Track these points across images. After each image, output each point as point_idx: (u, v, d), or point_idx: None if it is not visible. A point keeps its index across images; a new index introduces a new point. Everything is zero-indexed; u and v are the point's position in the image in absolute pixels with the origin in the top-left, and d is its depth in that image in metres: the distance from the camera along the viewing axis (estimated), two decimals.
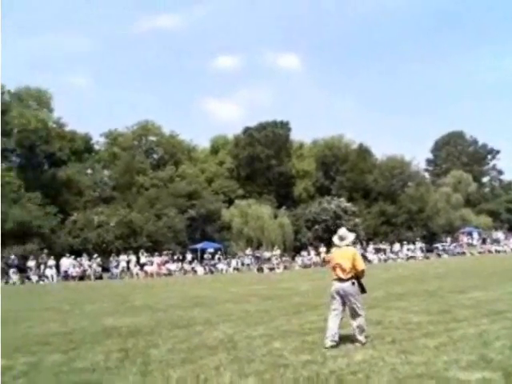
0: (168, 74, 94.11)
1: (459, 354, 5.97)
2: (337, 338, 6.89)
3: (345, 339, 7.02)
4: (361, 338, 6.89)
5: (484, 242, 44.16)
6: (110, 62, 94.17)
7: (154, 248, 34.66)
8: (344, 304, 6.99)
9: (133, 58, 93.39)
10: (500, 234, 46.60)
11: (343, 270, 6.94)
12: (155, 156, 50.88)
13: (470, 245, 43.10)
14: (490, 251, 40.51)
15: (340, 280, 6.98)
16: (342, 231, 7.36)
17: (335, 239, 7.34)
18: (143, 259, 32.31)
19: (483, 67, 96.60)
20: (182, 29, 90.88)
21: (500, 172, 69.30)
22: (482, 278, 16.98)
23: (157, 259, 32.42)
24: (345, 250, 7.16)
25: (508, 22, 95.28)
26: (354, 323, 6.91)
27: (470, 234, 45.42)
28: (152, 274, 30.99)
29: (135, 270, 31.34)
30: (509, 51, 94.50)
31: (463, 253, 39.97)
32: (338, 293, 6.99)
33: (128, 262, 32.03)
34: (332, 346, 6.75)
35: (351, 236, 7.33)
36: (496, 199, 59.67)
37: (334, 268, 7.15)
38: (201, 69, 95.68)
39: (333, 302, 7.09)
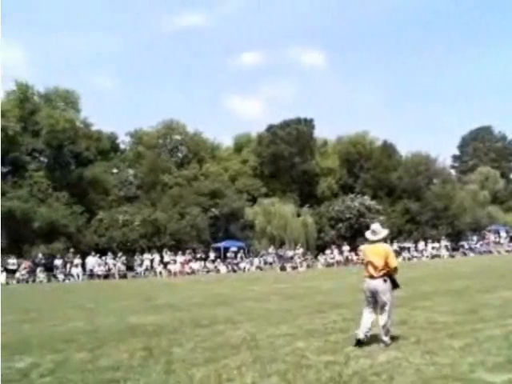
0: (192, 73, 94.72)
1: (485, 356, 5.86)
2: (369, 334, 6.86)
3: (369, 339, 6.95)
4: (385, 338, 6.82)
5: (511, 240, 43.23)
6: (136, 61, 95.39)
7: (178, 247, 34.89)
8: (376, 301, 6.94)
9: (158, 57, 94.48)
10: None
11: (375, 268, 6.88)
12: (179, 155, 51.11)
13: (497, 243, 42.21)
14: None
15: (372, 277, 6.93)
16: (376, 226, 7.25)
17: (368, 234, 7.25)
18: (167, 258, 32.61)
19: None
20: (206, 27, 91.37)
21: None
22: (510, 278, 16.61)
23: (180, 258, 32.66)
24: (377, 247, 7.05)
25: None
26: (381, 322, 6.83)
27: (497, 232, 44.44)
28: (175, 273, 31.24)
29: (159, 268, 31.65)
30: None
31: (490, 251, 39.20)
32: (369, 290, 6.94)
33: (152, 261, 32.39)
34: (363, 340, 6.75)
35: (384, 232, 7.21)
36: None
37: (366, 265, 7.09)
38: (225, 66, 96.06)
39: (366, 299, 7.06)
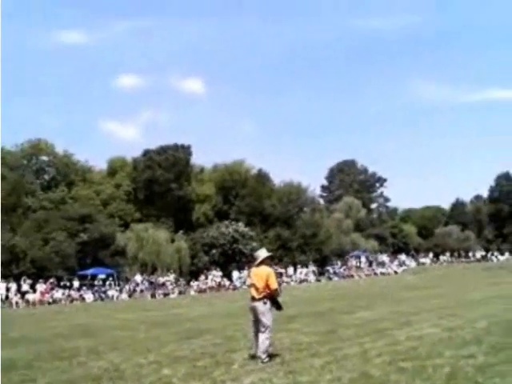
0: (67, 92, 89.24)
1: (342, 372, 6.20)
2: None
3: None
4: (263, 356, 7.09)
5: (371, 264, 46.96)
6: (3, 74, 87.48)
7: (39, 274, 32.20)
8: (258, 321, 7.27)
9: (29, 72, 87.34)
10: (385, 258, 49.98)
11: (257, 290, 7.30)
12: (46, 177, 47.96)
13: (358, 268, 45.55)
14: (375, 274, 43.18)
15: (253, 299, 7.31)
16: (257, 252, 7.75)
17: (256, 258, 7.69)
18: (25, 287, 29.88)
19: (375, 98, 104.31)
20: (85, 46, 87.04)
21: (386, 199, 74.80)
22: (369, 299, 17.99)
23: (40, 286, 30.16)
24: (260, 270, 7.45)
25: (400, 54, 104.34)
26: (260, 339, 7.14)
27: (358, 257, 47.98)
28: (34, 303, 28.73)
29: (15, 298, 28.82)
30: (399, 85, 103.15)
31: (352, 275, 42.13)
32: (252, 311, 7.34)
33: (7, 290, 29.44)
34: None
35: (263, 253, 7.62)
36: (382, 224, 63.91)
37: (250, 287, 7.63)
38: (102, 88, 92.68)
39: (251, 320, 7.47)
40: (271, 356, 7.24)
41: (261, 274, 7.34)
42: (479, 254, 53.99)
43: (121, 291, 33.04)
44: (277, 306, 7.38)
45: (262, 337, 7.13)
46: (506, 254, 52.72)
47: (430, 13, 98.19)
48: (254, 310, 7.28)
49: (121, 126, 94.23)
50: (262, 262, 7.54)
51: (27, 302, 28.83)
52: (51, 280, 31.48)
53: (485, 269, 37.77)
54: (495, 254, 52.83)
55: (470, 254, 54.85)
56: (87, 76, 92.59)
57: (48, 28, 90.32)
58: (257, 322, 7.29)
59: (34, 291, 29.80)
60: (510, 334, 8.47)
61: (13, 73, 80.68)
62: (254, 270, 7.63)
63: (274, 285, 7.34)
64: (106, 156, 58.72)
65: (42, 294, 29.76)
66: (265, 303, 7.22)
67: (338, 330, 10.00)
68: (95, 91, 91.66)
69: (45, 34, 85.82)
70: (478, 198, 69.76)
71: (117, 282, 34.49)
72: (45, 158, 47.52)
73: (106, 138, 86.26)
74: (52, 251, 34.50)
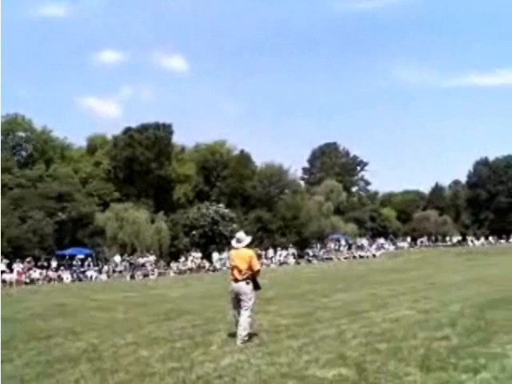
0: (46, 66, 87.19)
1: (319, 353, 6.28)
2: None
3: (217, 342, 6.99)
4: (243, 333, 7.18)
5: (350, 248, 47.47)
6: None
7: (16, 254, 31.80)
8: (239, 302, 7.36)
9: (7, 45, 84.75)
10: (364, 241, 50.54)
11: (239, 271, 7.35)
12: (23, 153, 47.10)
13: (337, 251, 46.03)
14: (354, 257, 43.67)
15: (236, 280, 7.38)
16: (240, 234, 7.78)
17: (233, 242, 7.76)
18: (1, 266, 29.49)
19: (358, 81, 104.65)
20: (66, 20, 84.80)
21: (367, 183, 75.40)
22: (347, 282, 18.24)
23: (17, 266, 29.79)
24: (242, 252, 7.55)
25: (383, 39, 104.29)
26: (241, 319, 7.23)
27: (337, 240, 48.46)
28: (11, 283, 28.42)
29: None
30: (382, 69, 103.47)
31: (331, 258, 42.56)
32: (234, 292, 7.40)
33: None
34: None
35: (248, 239, 7.73)
36: (362, 208, 64.49)
37: (232, 269, 7.58)
38: (82, 63, 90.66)
39: (232, 302, 7.52)
40: (250, 336, 7.32)
41: (243, 256, 7.44)
42: (456, 238, 54.95)
43: (99, 272, 32.83)
44: (255, 285, 7.50)
45: (244, 315, 7.23)
46: (482, 239, 53.78)
47: None
48: (236, 291, 7.36)
49: (101, 103, 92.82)
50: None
51: (4, 281, 28.46)
52: (28, 259, 31.15)
53: (461, 253, 38.52)
54: (471, 238, 53.86)
55: (447, 239, 55.83)
56: (67, 50, 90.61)
57: (27, 0, 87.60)
58: (238, 303, 7.36)
59: (11, 271, 29.47)
60: (482, 316, 8.67)
61: None
62: (234, 252, 7.70)
63: (257, 266, 7.54)
64: (86, 133, 57.95)
65: (19, 273, 29.42)
66: (247, 283, 7.33)
67: (316, 312, 10.11)
68: (75, 66, 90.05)
69: (23, 6, 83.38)
70: (456, 183, 70.71)
71: (95, 263, 34.26)
72: (22, 133, 46.67)
73: (86, 114, 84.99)
74: (29, 230, 34.10)
